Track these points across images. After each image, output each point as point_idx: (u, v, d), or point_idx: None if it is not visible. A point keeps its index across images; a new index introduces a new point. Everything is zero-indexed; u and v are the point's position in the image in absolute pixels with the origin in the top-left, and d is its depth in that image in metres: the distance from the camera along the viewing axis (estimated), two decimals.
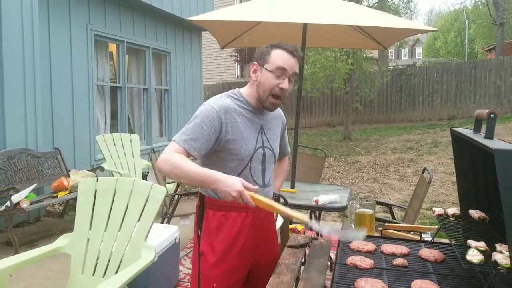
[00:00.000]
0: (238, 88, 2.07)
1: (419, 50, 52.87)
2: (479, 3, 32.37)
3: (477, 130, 1.79)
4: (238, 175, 1.92)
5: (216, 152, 1.95)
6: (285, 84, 1.90)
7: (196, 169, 1.79)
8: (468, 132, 1.84)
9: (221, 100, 1.96)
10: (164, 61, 9.32)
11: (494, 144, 1.43)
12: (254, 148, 1.98)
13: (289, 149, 2.41)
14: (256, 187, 1.75)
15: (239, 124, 1.94)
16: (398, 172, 9.37)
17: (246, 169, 1.97)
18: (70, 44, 6.49)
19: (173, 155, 1.82)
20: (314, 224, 1.72)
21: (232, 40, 4.75)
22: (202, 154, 1.89)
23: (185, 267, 4.22)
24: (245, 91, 2.03)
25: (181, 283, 3.89)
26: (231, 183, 1.71)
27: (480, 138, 1.60)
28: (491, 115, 1.59)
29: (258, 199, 1.72)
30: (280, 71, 1.90)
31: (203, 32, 10.58)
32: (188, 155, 1.85)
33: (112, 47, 7.82)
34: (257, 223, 2.01)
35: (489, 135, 1.56)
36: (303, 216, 1.75)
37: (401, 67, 21.10)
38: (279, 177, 2.41)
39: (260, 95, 1.95)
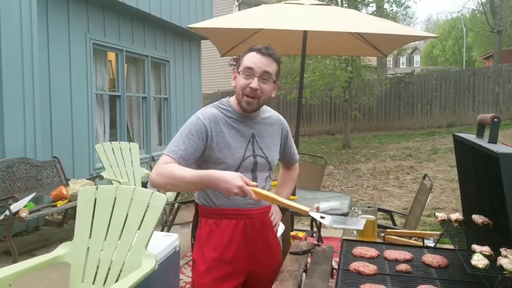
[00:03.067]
0: (228, 97, 2.07)
1: (417, 58, 53.06)
2: (476, 11, 32.58)
3: (480, 134, 1.79)
4: None
5: (205, 162, 1.97)
6: (253, 83, 1.90)
7: (191, 172, 1.80)
8: (471, 137, 1.84)
9: (207, 111, 1.99)
10: (163, 70, 9.33)
11: (499, 148, 1.42)
12: (242, 157, 1.97)
13: (297, 157, 2.37)
14: (255, 183, 1.75)
15: (225, 134, 1.95)
16: (398, 179, 9.36)
17: None
18: (69, 53, 6.50)
19: (163, 167, 1.84)
20: (314, 214, 1.72)
21: (231, 48, 4.76)
22: (191, 164, 1.91)
23: (186, 275, 4.20)
24: (234, 100, 2.03)
25: None
26: (231, 180, 1.71)
27: (483, 143, 1.59)
28: (495, 120, 1.58)
29: (259, 193, 1.72)
30: (249, 71, 1.91)
31: (202, 41, 10.61)
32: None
33: (111, 56, 7.83)
34: (250, 231, 1.99)
35: (493, 140, 1.55)
36: (303, 207, 1.74)
37: (400, 75, 21.14)
38: (286, 186, 2.37)
39: (237, 99, 1.97)
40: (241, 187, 1.69)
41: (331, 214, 3.54)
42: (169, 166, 1.83)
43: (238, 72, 1.95)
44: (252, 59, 1.92)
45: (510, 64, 16.34)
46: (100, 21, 7.19)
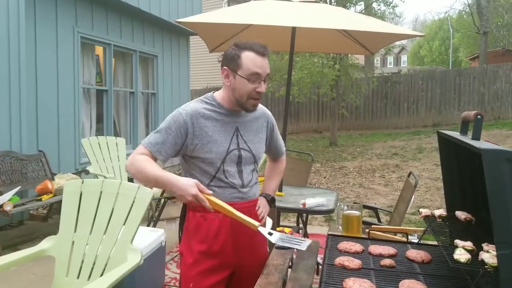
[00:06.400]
0: (212, 92, 2.08)
1: (404, 58, 53.42)
2: (463, 12, 32.87)
3: (464, 131, 1.81)
4: (212, 177, 1.99)
5: (190, 157, 1.99)
6: (261, 87, 1.91)
7: (155, 172, 1.86)
8: (455, 134, 1.86)
9: (190, 106, 2.00)
10: (151, 65, 9.27)
11: (482, 144, 1.44)
12: (227, 151, 1.98)
13: (283, 149, 2.38)
14: (211, 192, 1.82)
15: (209, 128, 1.96)
16: (383, 177, 9.43)
17: (219, 171, 1.98)
18: (57, 46, 6.43)
19: (138, 158, 1.91)
20: (262, 230, 1.77)
21: (220, 44, 4.75)
22: (168, 158, 1.96)
23: (171, 271, 4.19)
24: (219, 94, 2.04)
25: (166, 287, 3.86)
26: (185, 187, 1.78)
27: (467, 139, 1.61)
28: (478, 117, 1.60)
29: (215, 202, 1.78)
30: (255, 76, 1.90)
31: (191, 37, 10.57)
32: (154, 158, 1.93)
33: (99, 50, 7.76)
34: (236, 224, 2.00)
35: (476, 136, 1.57)
36: (253, 221, 1.79)
37: (387, 74, 21.28)
38: (273, 179, 2.38)
39: (237, 100, 1.95)
40: (195, 196, 1.76)
41: (317, 211, 3.57)
42: (141, 161, 1.90)
43: (238, 75, 1.91)
44: (256, 63, 1.89)
45: (496, 65, 16.54)
46: (88, 15, 7.12)
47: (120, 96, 8.44)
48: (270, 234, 1.75)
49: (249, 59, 1.89)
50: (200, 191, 1.77)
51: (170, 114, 1.99)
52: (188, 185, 1.77)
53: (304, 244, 1.66)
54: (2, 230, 5.30)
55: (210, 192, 1.81)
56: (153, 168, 1.87)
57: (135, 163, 1.90)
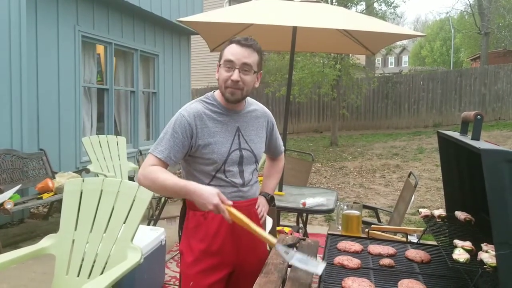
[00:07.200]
0: (212, 91, 2.08)
1: (405, 58, 53.34)
2: (464, 13, 32.84)
3: (464, 132, 1.82)
4: (213, 177, 1.99)
5: (192, 157, 1.99)
6: (234, 75, 1.91)
7: (173, 181, 1.85)
8: (455, 134, 1.86)
9: (191, 107, 2.00)
10: (152, 64, 9.27)
11: (481, 144, 1.45)
12: (228, 151, 1.99)
13: (282, 148, 2.39)
14: (231, 202, 1.79)
15: (210, 129, 1.97)
16: (384, 177, 9.43)
17: (219, 172, 1.99)
18: (58, 45, 6.44)
19: (150, 170, 1.90)
20: (280, 248, 1.75)
21: (221, 43, 4.75)
22: (178, 162, 1.97)
23: (171, 270, 4.20)
24: (218, 93, 2.05)
25: (166, 285, 3.86)
26: (206, 196, 1.77)
27: (467, 140, 1.62)
28: (478, 117, 1.61)
29: (234, 214, 1.76)
30: (229, 63, 1.92)
31: (192, 36, 10.57)
32: (166, 165, 1.93)
33: (100, 48, 7.76)
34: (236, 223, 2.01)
35: (476, 136, 1.58)
36: (272, 238, 1.79)
37: (388, 74, 21.26)
38: (272, 177, 2.38)
39: (221, 91, 1.99)
40: (216, 205, 1.75)
41: (317, 211, 3.58)
42: (155, 171, 1.88)
43: (219, 65, 1.97)
44: (232, 51, 1.93)
45: (497, 66, 16.52)
46: (90, 14, 7.12)
47: (121, 95, 8.45)
48: (287, 253, 1.72)
49: (228, 49, 1.95)
50: (221, 201, 1.76)
51: (172, 118, 1.99)
52: (211, 194, 1.76)
53: (320, 267, 1.64)
54: (2, 228, 5.30)
55: (230, 202, 1.78)
56: (170, 177, 1.86)
57: (148, 175, 1.88)
